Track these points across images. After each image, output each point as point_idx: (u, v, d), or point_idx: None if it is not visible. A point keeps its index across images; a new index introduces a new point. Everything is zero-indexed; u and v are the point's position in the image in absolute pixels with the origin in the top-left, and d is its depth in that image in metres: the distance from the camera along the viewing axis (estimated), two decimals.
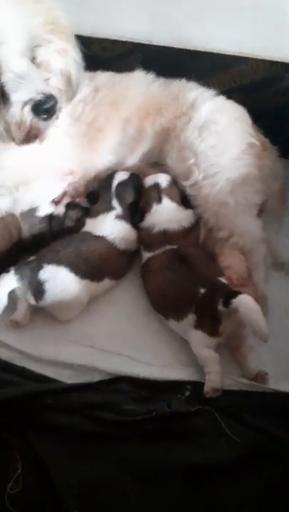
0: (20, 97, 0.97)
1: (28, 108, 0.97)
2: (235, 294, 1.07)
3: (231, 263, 1.24)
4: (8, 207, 1.28)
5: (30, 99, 0.97)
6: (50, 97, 0.99)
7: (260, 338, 1.06)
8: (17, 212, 1.28)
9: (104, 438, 1.00)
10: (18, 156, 1.16)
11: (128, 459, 0.97)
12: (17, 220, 1.28)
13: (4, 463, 0.96)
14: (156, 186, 1.30)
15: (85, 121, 1.31)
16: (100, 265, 1.22)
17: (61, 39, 1.11)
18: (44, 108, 0.99)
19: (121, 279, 1.29)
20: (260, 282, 1.24)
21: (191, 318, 1.10)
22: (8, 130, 1.01)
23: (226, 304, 1.05)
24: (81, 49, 1.19)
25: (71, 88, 1.20)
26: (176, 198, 1.30)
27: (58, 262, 1.17)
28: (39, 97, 0.97)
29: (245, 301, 1.05)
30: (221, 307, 1.06)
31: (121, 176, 1.33)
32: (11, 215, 1.28)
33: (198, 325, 1.09)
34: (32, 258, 1.20)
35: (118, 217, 1.28)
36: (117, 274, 1.28)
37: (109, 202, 1.30)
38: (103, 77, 1.38)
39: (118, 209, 1.29)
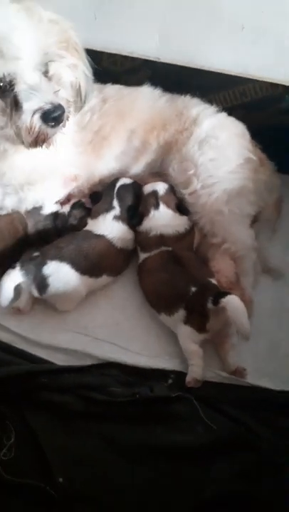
0: (31, 106, 1.06)
1: (37, 116, 1.07)
2: (224, 294, 1.16)
3: (222, 268, 1.32)
4: (14, 205, 1.37)
5: (40, 108, 1.07)
6: (58, 107, 1.09)
7: (242, 336, 1.16)
8: (22, 210, 1.38)
9: (92, 416, 1.08)
10: (26, 158, 1.26)
11: (113, 436, 1.06)
12: (22, 217, 1.36)
13: None
14: (154, 193, 1.39)
15: (91, 130, 1.40)
16: (99, 262, 1.31)
17: (73, 55, 1.22)
18: (52, 117, 1.08)
19: (118, 276, 1.38)
20: (248, 287, 1.32)
21: (181, 313, 1.19)
22: (18, 134, 1.11)
23: (215, 302, 1.14)
24: (91, 63, 1.29)
25: (80, 99, 1.30)
26: (172, 205, 1.39)
27: (61, 258, 1.26)
28: (48, 106, 1.07)
29: (232, 301, 1.13)
30: (210, 305, 1.15)
31: (124, 180, 1.43)
32: (17, 212, 1.37)
33: (188, 321, 1.18)
34: (36, 254, 1.28)
35: (116, 217, 1.37)
36: (115, 271, 1.36)
37: (111, 202, 1.38)
38: (111, 89, 1.47)
39: (117, 209, 1.38)
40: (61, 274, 1.25)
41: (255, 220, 1.44)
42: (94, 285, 1.32)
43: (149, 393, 1.10)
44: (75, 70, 1.24)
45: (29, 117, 1.07)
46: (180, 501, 0.98)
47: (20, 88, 1.06)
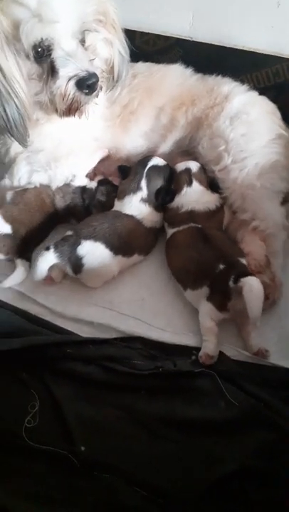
0: (67, 72, 1.08)
1: (72, 82, 1.09)
2: (246, 274, 1.15)
3: (251, 250, 1.30)
4: (44, 183, 1.38)
5: (76, 75, 1.08)
6: (93, 75, 1.10)
7: (251, 321, 1.13)
8: (53, 188, 1.39)
9: (114, 387, 1.09)
10: (56, 129, 1.27)
11: (134, 407, 1.06)
12: (50, 190, 1.37)
13: (24, 400, 1.07)
14: (187, 171, 1.38)
15: (120, 104, 1.41)
16: (131, 241, 1.30)
17: (109, 31, 1.22)
18: (87, 84, 1.10)
19: (148, 254, 1.38)
20: (278, 270, 1.29)
21: (205, 290, 1.18)
22: (52, 101, 1.12)
23: (236, 281, 1.13)
24: (129, 45, 1.30)
25: (113, 78, 1.30)
26: (205, 182, 1.38)
27: (96, 237, 1.25)
28: (83, 73, 1.09)
29: (250, 283, 1.11)
30: (231, 283, 1.14)
31: (157, 161, 1.39)
32: (45, 186, 1.38)
33: (210, 298, 1.18)
34: (70, 233, 1.27)
35: (143, 200, 1.35)
36: (145, 250, 1.36)
37: (138, 182, 1.35)
38: (142, 66, 1.48)
39: (144, 191, 1.35)
40: (96, 254, 1.24)
41: (285, 200, 1.41)
42: (126, 264, 1.32)
43: (172, 367, 1.11)
44: (111, 47, 1.25)
45: (64, 83, 1.08)
46: (199, 474, 0.98)
47: (57, 54, 1.08)
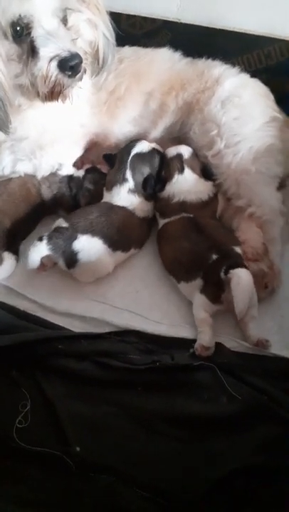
0: (48, 52, 1.02)
1: (54, 63, 1.03)
2: (238, 265, 1.10)
3: (248, 237, 1.25)
4: (29, 172, 1.33)
5: (57, 55, 1.02)
6: (75, 56, 1.04)
7: (237, 315, 1.08)
8: (39, 177, 1.33)
9: (110, 383, 1.05)
10: (39, 115, 1.22)
11: (130, 404, 1.02)
12: (36, 180, 1.32)
13: (14, 400, 1.02)
14: (178, 157, 1.32)
15: (106, 90, 1.36)
16: (128, 234, 1.25)
17: (93, 12, 1.17)
18: (69, 65, 1.04)
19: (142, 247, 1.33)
20: (276, 257, 1.25)
21: (198, 282, 1.14)
22: (33, 84, 1.07)
23: (226, 272, 1.09)
24: (114, 28, 1.24)
25: (98, 62, 1.25)
26: (198, 169, 1.33)
27: (93, 232, 1.19)
28: (65, 53, 1.03)
29: (239, 275, 1.07)
30: (222, 274, 1.10)
31: (141, 147, 1.32)
32: (30, 175, 1.33)
33: (204, 290, 1.13)
34: (64, 225, 1.21)
35: (131, 191, 1.29)
36: (140, 243, 1.31)
37: (124, 173, 1.29)
38: (129, 50, 1.43)
39: (130, 182, 1.29)
40: (92, 250, 1.19)
41: (281, 186, 1.36)
42: (122, 259, 1.27)
43: (170, 361, 1.06)
44: (95, 30, 1.20)
45: (45, 64, 1.03)
46: (201, 473, 0.94)
47: (37, 33, 1.02)
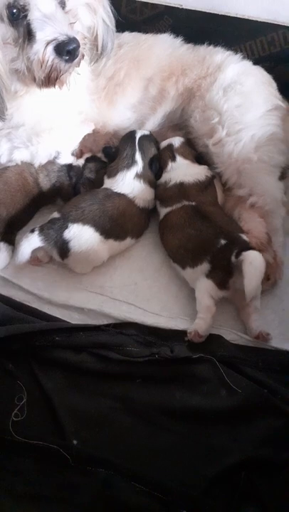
0: (45, 35, 1.00)
1: (51, 47, 1.00)
2: (249, 248, 1.09)
3: (251, 227, 1.24)
4: (27, 160, 1.30)
5: (54, 39, 1.00)
6: (73, 40, 1.01)
7: (247, 298, 1.06)
8: (36, 166, 1.31)
9: (108, 376, 1.03)
10: (36, 101, 1.19)
11: (129, 397, 1.01)
12: (33, 168, 1.30)
13: (10, 393, 1.01)
14: (169, 147, 1.34)
15: (105, 76, 1.33)
16: (123, 223, 1.24)
17: None
18: (67, 49, 1.01)
19: (140, 237, 1.31)
20: (279, 248, 1.24)
21: (205, 266, 1.13)
22: (29, 68, 1.04)
23: (238, 255, 1.07)
24: (114, 13, 1.22)
25: (96, 49, 1.23)
26: (190, 156, 1.33)
27: (84, 220, 1.18)
28: (62, 37, 1.00)
29: (252, 257, 1.06)
30: (233, 258, 1.08)
31: (142, 132, 1.35)
32: (27, 164, 1.30)
33: (210, 275, 1.12)
34: (57, 215, 1.20)
35: (138, 175, 1.29)
36: (138, 233, 1.30)
37: (132, 157, 1.30)
38: (129, 36, 1.40)
39: (140, 164, 1.30)
40: (84, 238, 1.18)
41: (283, 177, 1.34)
42: (117, 249, 1.26)
43: (169, 354, 1.05)
44: (94, 15, 1.17)
45: (42, 48, 1.00)
46: (202, 467, 0.93)
47: (33, 16, 1.00)
